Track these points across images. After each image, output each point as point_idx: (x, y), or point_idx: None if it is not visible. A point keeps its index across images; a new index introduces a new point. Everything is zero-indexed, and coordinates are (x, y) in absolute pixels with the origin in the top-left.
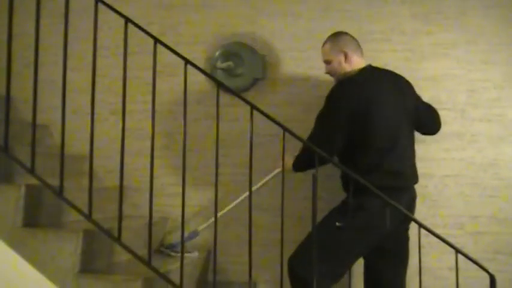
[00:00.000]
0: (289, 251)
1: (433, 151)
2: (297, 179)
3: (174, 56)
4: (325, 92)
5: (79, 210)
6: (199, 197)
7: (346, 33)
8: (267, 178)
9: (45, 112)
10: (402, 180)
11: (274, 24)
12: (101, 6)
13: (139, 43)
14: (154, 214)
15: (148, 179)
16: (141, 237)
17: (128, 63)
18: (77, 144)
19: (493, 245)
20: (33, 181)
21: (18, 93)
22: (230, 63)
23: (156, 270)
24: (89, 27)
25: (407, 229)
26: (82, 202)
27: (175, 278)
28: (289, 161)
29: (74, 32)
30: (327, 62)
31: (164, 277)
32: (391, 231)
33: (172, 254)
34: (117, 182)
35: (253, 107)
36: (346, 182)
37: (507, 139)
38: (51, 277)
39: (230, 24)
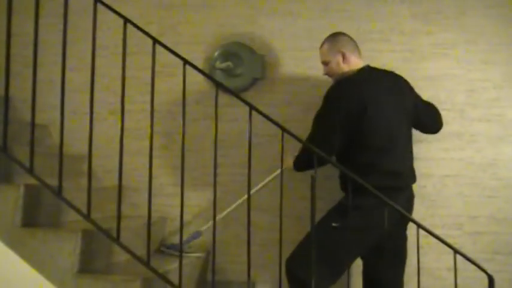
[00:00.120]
0: (288, 251)
1: (432, 151)
2: (296, 179)
3: (173, 56)
4: (324, 92)
5: (78, 210)
6: (198, 197)
7: (344, 34)
8: (267, 180)
9: (44, 112)
10: (400, 180)
11: (273, 24)
12: (100, 6)
13: (138, 43)
14: (153, 214)
15: (147, 179)
16: (140, 237)
17: (127, 63)
18: (76, 144)
19: (491, 245)
20: (32, 181)
21: (17, 93)
22: (229, 63)
23: (155, 271)
24: (88, 27)
25: (405, 229)
26: (81, 202)
27: (174, 278)
28: (291, 160)
29: (73, 32)
30: (325, 63)
31: (163, 277)
32: (389, 231)
33: (176, 254)
34: (116, 182)
35: (252, 108)
36: (344, 182)
37: (506, 139)
38: (50, 277)
39: (229, 24)
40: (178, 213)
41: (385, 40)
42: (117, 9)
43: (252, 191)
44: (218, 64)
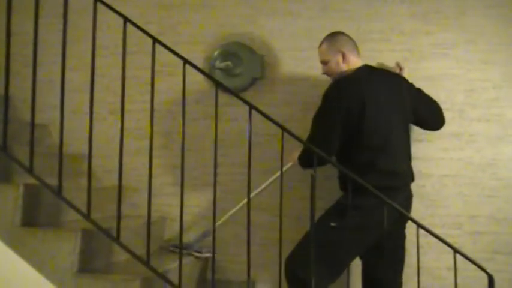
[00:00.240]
0: (287, 251)
1: (432, 151)
2: (296, 179)
3: (172, 56)
4: (323, 91)
5: (77, 210)
6: (198, 197)
7: (343, 33)
8: (267, 182)
9: (44, 111)
10: (397, 180)
11: (273, 24)
12: (99, 5)
13: (138, 43)
14: (152, 214)
15: (146, 178)
16: (140, 237)
17: (127, 62)
18: (76, 143)
19: (491, 245)
20: (32, 180)
21: (17, 93)
22: (229, 63)
23: (154, 270)
24: (87, 27)
25: (404, 228)
26: (80, 202)
27: (174, 278)
28: (296, 155)
29: (72, 31)
30: (324, 63)
31: (163, 277)
32: (388, 230)
33: (195, 254)
34: (115, 182)
35: (251, 107)
36: (343, 181)
37: (506, 139)
38: (49, 276)
39: (229, 24)
40: (178, 213)
41: (385, 40)
42: (117, 9)
43: (252, 194)
44: (218, 64)
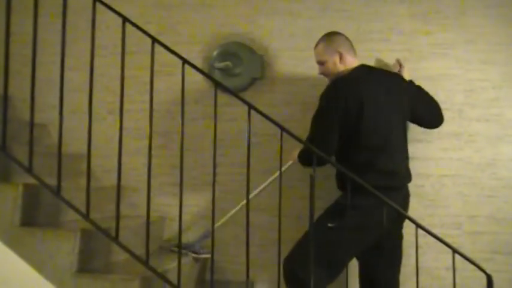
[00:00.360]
0: (287, 251)
1: (431, 151)
2: (295, 179)
3: (172, 56)
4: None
5: (77, 210)
6: (197, 197)
7: (339, 33)
8: (267, 182)
9: (43, 111)
10: (395, 180)
11: (273, 23)
12: (98, 5)
13: (137, 42)
14: (152, 213)
15: (146, 178)
16: (139, 237)
17: (126, 62)
18: (75, 143)
19: (490, 245)
20: (31, 180)
21: (16, 92)
22: (228, 62)
23: (153, 270)
24: (87, 27)
25: (401, 228)
26: (80, 201)
27: (173, 278)
28: (296, 153)
29: (72, 31)
30: (321, 63)
31: (162, 276)
32: (385, 230)
33: (192, 254)
34: (114, 182)
35: (251, 107)
36: (341, 181)
37: (505, 139)
38: (48, 276)
39: (228, 24)
40: (177, 213)
41: (385, 40)
42: (116, 9)
43: (252, 195)
44: (217, 64)
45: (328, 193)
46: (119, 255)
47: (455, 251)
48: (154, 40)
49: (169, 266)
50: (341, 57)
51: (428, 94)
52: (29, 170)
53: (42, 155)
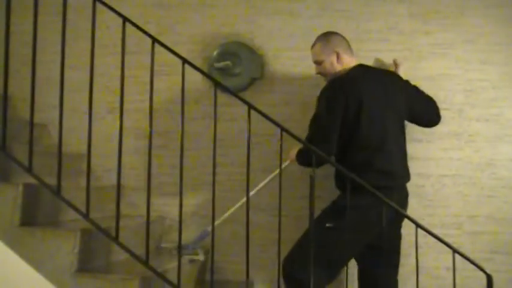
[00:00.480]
0: (286, 251)
1: (431, 150)
2: (295, 179)
3: (171, 55)
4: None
5: (77, 209)
6: (196, 197)
7: (336, 33)
8: (266, 181)
9: (43, 111)
10: (394, 180)
11: (272, 23)
12: (99, 5)
13: (137, 42)
14: (151, 213)
15: (145, 178)
16: (139, 237)
17: (126, 62)
18: (75, 143)
19: (490, 244)
20: (31, 180)
21: (16, 92)
22: (228, 62)
23: (153, 270)
24: (87, 26)
25: (399, 227)
26: (80, 201)
27: (173, 277)
28: (294, 153)
29: (72, 30)
30: (318, 63)
31: (162, 276)
32: (383, 230)
33: (186, 256)
34: (114, 181)
35: (250, 107)
36: (339, 180)
37: (505, 139)
38: (48, 276)
39: (228, 24)
40: (177, 213)
41: (384, 40)
42: (116, 8)
43: (251, 193)
44: (217, 63)
45: (328, 193)
46: (119, 255)
47: (455, 251)
48: (154, 40)
49: (169, 265)
50: (338, 57)
51: (424, 93)
52: (29, 169)
53: (42, 155)
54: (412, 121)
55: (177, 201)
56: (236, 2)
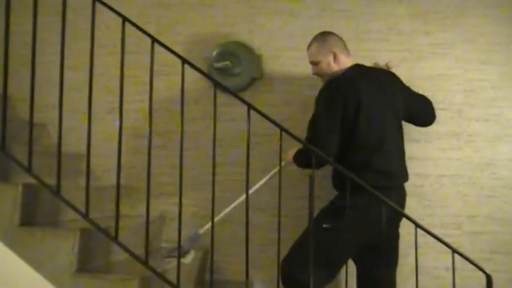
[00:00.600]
0: (286, 251)
1: (430, 151)
2: (294, 178)
3: (171, 55)
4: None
5: (76, 209)
6: (196, 196)
7: (332, 33)
8: (265, 179)
9: (43, 111)
10: (392, 180)
11: (272, 23)
12: (98, 5)
13: (137, 42)
14: (151, 213)
15: (145, 177)
16: (139, 236)
17: (125, 62)
18: (74, 143)
19: (490, 244)
20: (31, 180)
21: (15, 92)
22: (227, 62)
23: (153, 270)
24: (86, 26)
25: (397, 227)
26: (79, 201)
27: (173, 277)
28: (291, 155)
29: (71, 30)
30: (315, 63)
31: (161, 276)
32: (381, 230)
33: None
34: (114, 181)
35: (250, 107)
36: (337, 180)
37: (504, 139)
38: (48, 276)
39: (228, 24)
40: (177, 212)
41: (384, 40)
42: (116, 8)
43: (250, 191)
44: (216, 63)
45: (328, 193)
46: (119, 255)
47: (454, 250)
48: (154, 40)
49: (169, 265)
50: (335, 57)
51: (418, 93)
52: (29, 169)
53: (41, 155)
54: (409, 121)
55: (176, 201)
56: (236, 2)
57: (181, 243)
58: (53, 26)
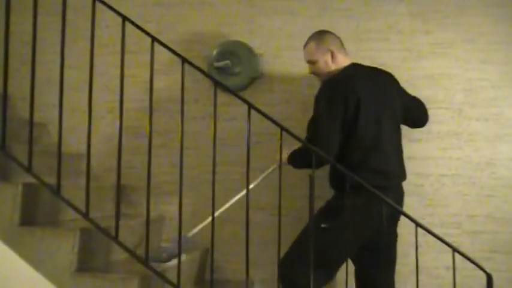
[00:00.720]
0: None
1: (430, 150)
2: (295, 178)
3: (171, 55)
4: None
5: (76, 209)
6: (196, 196)
7: (329, 32)
8: (264, 174)
9: (43, 110)
10: (388, 179)
11: (272, 22)
12: (98, 4)
13: (137, 41)
14: (151, 212)
15: (145, 177)
16: (139, 236)
17: (126, 61)
18: (75, 142)
19: (490, 244)
20: (31, 179)
21: (15, 91)
22: (227, 62)
23: (153, 269)
24: (86, 26)
25: (396, 227)
26: (79, 200)
27: (173, 277)
28: (285, 155)
29: (71, 29)
30: (312, 62)
31: (161, 276)
32: (379, 229)
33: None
34: (114, 181)
35: (250, 106)
36: (335, 179)
37: (504, 138)
38: (48, 275)
39: (228, 23)
40: (177, 212)
41: (384, 39)
42: (116, 8)
43: (250, 186)
44: (216, 63)
45: (327, 193)
46: (119, 254)
47: (455, 250)
48: (154, 39)
49: (169, 265)
50: (333, 56)
51: (411, 94)
52: (29, 169)
53: (41, 154)
54: (407, 122)
55: (177, 200)
56: (236, 1)
57: (168, 246)
58: (53, 25)
